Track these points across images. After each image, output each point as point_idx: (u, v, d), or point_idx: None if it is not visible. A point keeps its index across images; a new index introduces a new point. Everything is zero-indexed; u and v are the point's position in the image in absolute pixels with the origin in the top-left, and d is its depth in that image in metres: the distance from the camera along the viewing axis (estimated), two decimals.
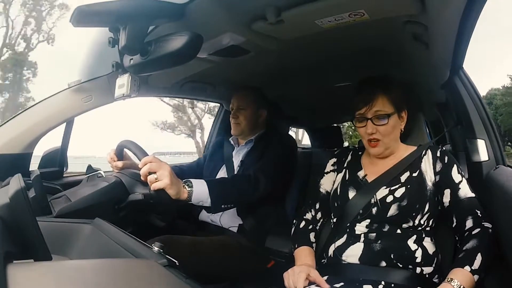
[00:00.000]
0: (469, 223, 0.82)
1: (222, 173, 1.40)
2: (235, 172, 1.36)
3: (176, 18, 0.87)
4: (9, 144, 1.15)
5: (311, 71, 1.45)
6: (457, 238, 0.86)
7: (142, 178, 0.94)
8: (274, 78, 1.53)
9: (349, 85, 1.60)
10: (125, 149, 1.11)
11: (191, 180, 1.00)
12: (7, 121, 1.20)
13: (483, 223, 0.81)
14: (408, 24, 0.91)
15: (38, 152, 1.32)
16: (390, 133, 0.93)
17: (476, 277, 0.72)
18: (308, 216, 1.05)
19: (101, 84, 1.21)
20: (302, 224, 1.04)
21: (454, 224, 0.86)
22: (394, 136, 0.95)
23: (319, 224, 1.05)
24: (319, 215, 1.05)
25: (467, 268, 0.73)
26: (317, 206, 1.05)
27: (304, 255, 0.96)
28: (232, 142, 1.48)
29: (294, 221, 1.07)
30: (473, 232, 0.80)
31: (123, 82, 0.95)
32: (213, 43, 1.03)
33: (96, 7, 0.77)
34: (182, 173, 1.42)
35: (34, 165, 1.27)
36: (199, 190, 1.00)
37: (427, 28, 0.87)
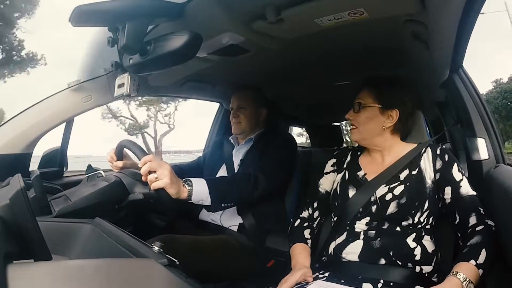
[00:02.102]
0: (472, 220, 0.83)
1: (222, 172, 1.40)
2: (235, 171, 1.36)
3: (175, 17, 0.87)
4: (9, 144, 1.15)
5: (310, 70, 1.45)
6: (459, 235, 0.86)
7: (142, 177, 0.94)
8: (274, 77, 1.53)
9: (348, 83, 1.60)
10: (125, 149, 1.11)
11: (191, 179, 1.00)
12: (7, 121, 1.20)
13: (486, 221, 0.81)
14: (407, 22, 0.91)
15: (38, 152, 1.32)
16: (365, 124, 0.96)
17: (480, 271, 0.73)
18: (305, 214, 1.06)
19: (100, 84, 1.21)
20: (297, 222, 1.05)
21: (457, 221, 0.86)
22: (371, 129, 0.97)
23: (316, 223, 1.05)
24: (316, 213, 1.05)
25: (472, 262, 0.73)
26: (315, 205, 1.06)
27: (296, 252, 0.97)
28: (232, 141, 1.48)
29: (292, 220, 1.07)
30: (477, 229, 0.80)
31: (122, 81, 0.95)
32: (212, 42, 1.03)
33: (95, 7, 0.77)
34: (182, 172, 1.41)
35: (33, 165, 1.27)
36: (199, 189, 1.00)
37: (427, 26, 0.87)
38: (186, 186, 0.98)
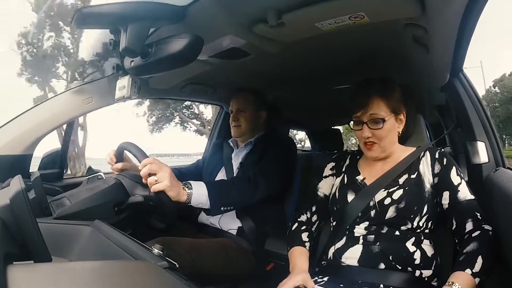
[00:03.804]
0: (469, 226, 0.82)
1: (221, 175, 1.40)
2: (234, 174, 1.36)
3: (177, 20, 0.87)
4: (10, 145, 1.15)
5: (311, 73, 1.46)
6: (456, 241, 0.85)
7: (142, 180, 0.94)
8: (274, 80, 1.53)
9: (348, 87, 1.60)
10: (125, 151, 1.11)
11: (191, 182, 1.00)
12: (8, 122, 1.20)
13: (483, 226, 0.81)
14: (408, 26, 0.91)
15: (38, 153, 1.32)
16: (386, 137, 0.93)
17: (477, 280, 0.72)
18: (303, 218, 1.05)
19: (101, 86, 1.21)
20: (295, 226, 1.04)
21: (454, 226, 0.86)
22: (391, 139, 0.94)
23: (314, 226, 1.04)
24: (314, 217, 1.05)
25: (468, 271, 0.73)
26: (313, 209, 1.05)
27: (294, 256, 0.96)
28: (231, 144, 1.48)
29: (290, 223, 1.07)
30: (473, 235, 0.80)
31: (123, 84, 0.95)
32: (213, 45, 1.03)
33: (97, 9, 0.77)
34: (182, 175, 1.42)
35: (34, 167, 1.27)
36: (199, 192, 1.00)
37: (427, 30, 0.88)
38: (186, 189, 0.98)
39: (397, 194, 0.89)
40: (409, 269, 0.84)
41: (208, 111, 14.93)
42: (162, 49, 0.80)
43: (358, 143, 1.01)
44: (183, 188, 0.97)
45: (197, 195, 0.99)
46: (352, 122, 0.97)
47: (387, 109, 0.91)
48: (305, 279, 0.85)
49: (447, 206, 0.88)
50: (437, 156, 0.93)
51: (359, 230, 0.90)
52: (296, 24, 0.90)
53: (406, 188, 0.89)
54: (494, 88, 22.28)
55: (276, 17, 0.86)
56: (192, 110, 15.17)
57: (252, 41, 1.01)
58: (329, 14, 0.85)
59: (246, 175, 1.20)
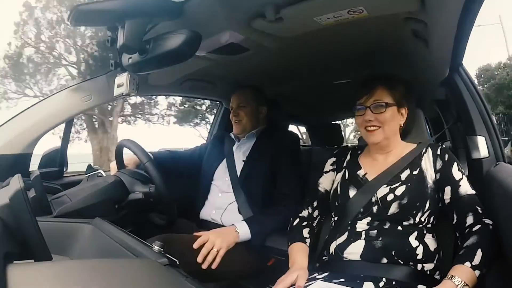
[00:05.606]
0: (469, 220, 0.83)
1: (222, 167, 1.40)
2: (237, 168, 1.36)
3: (174, 16, 0.87)
4: (9, 145, 1.15)
5: (310, 68, 1.45)
6: (457, 235, 0.86)
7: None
8: (273, 75, 1.53)
9: (348, 82, 1.60)
10: (125, 148, 1.11)
11: (235, 224, 1.13)
12: (7, 121, 1.20)
13: (483, 220, 0.81)
14: (407, 21, 0.91)
15: (38, 151, 1.32)
16: (389, 122, 0.93)
17: (477, 272, 0.72)
18: (304, 213, 1.05)
19: (100, 83, 1.21)
20: (296, 221, 1.04)
21: (455, 221, 0.86)
22: (393, 128, 0.95)
23: (315, 222, 1.05)
24: (316, 213, 1.05)
25: (468, 264, 0.73)
26: (315, 204, 1.05)
27: (294, 251, 0.97)
28: (232, 137, 1.48)
29: (291, 219, 1.08)
30: (474, 229, 0.80)
31: (122, 81, 0.95)
32: (212, 41, 1.02)
33: (94, 6, 0.77)
34: (174, 161, 1.47)
35: (33, 166, 1.27)
36: (244, 232, 1.14)
37: (427, 25, 0.87)
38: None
39: (400, 191, 0.89)
40: (411, 263, 0.84)
41: None
42: (160, 45, 0.80)
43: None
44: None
45: (243, 235, 1.13)
46: (356, 109, 0.98)
47: (391, 98, 0.93)
48: (300, 276, 0.85)
49: (448, 201, 0.88)
50: (439, 152, 0.93)
51: (361, 225, 0.90)
52: (294, 18, 0.89)
53: (409, 184, 0.89)
54: None
55: (274, 12, 0.86)
56: None
57: (251, 37, 1.01)
58: (328, 9, 0.84)
59: (278, 204, 1.26)
